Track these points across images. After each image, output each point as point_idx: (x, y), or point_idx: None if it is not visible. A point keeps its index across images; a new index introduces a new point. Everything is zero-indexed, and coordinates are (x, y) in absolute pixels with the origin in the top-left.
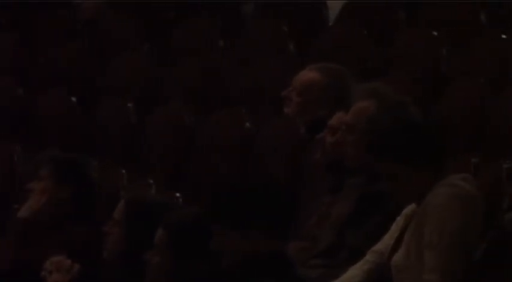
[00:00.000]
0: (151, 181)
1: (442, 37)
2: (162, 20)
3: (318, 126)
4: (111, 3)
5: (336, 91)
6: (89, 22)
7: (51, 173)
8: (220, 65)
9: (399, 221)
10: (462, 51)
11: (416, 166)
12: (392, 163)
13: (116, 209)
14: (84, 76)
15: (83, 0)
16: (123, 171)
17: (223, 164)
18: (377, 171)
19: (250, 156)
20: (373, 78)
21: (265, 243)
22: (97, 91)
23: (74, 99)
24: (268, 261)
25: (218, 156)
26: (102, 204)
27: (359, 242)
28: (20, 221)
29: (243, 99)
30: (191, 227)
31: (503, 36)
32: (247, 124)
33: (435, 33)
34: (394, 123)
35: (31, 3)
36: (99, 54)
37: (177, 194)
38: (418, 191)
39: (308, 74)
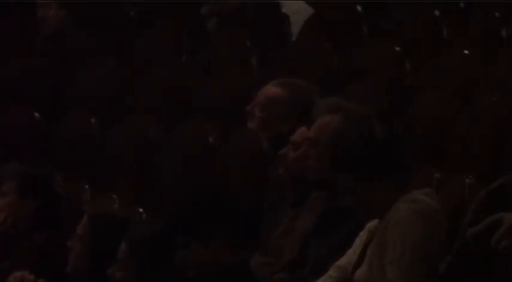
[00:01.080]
0: (115, 196)
1: (405, 50)
2: (126, 33)
3: (281, 141)
4: (75, 17)
5: (299, 106)
6: (52, 36)
7: (15, 187)
8: (184, 78)
9: (362, 235)
10: (425, 65)
11: (379, 181)
12: (355, 178)
13: (80, 224)
14: (48, 90)
15: (46, 13)
16: (87, 186)
17: (186, 177)
18: (340, 185)
19: (213, 168)
20: (336, 92)
21: (229, 255)
22: (60, 105)
23: (37, 113)
24: (231, 274)
25: (182, 168)
26: (65, 218)
27: (322, 257)
28: None
29: (206, 112)
30: (154, 241)
31: (466, 52)
32: (211, 137)
33: (397, 48)
34: (358, 137)
35: None
36: (63, 68)
37: (140, 209)
38: (381, 205)
39: (271, 89)
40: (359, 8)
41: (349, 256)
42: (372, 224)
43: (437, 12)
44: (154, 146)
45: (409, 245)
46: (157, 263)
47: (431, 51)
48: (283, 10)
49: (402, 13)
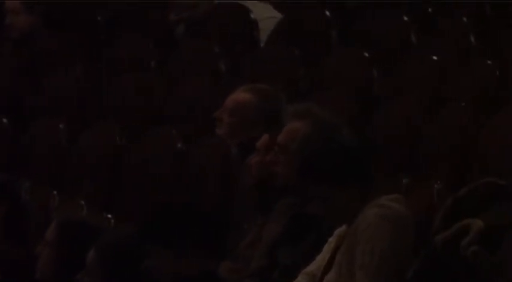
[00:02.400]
0: (83, 202)
1: (374, 57)
2: (94, 39)
3: (250, 147)
4: (43, 22)
5: (268, 112)
6: (19, 41)
7: None
8: (152, 85)
9: (331, 242)
10: (393, 72)
11: (348, 187)
12: (324, 184)
13: (48, 231)
14: (15, 96)
15: (13, 19)
16: (55, 192)
17: (155, 184)
18: (308, 192)
19: (182, 175)
20: (305, 98)
21: (198, 262)
22: (28, 111)
23: (4, 119)
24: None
25: (150, 176)
26: (33, 225)
27: (291, 263)
28: None
29: (174, 119)
30: (122, 248)
31: (434, 57)
32: (179, 143)
33: (366, 54)
34: (327, 144)
35: None
36: (31, 73)
37: (109, 215)
38: (349, 211)
39: (240, 95)
40: (328, 14)
41: (318, 262)
42: (341, 230)
43: (405, 18)
44: (122, 152)
45: (377, 251)
46: (125, 271)
47: (399, 57)
48: (252, 16)
49: (371, 19)
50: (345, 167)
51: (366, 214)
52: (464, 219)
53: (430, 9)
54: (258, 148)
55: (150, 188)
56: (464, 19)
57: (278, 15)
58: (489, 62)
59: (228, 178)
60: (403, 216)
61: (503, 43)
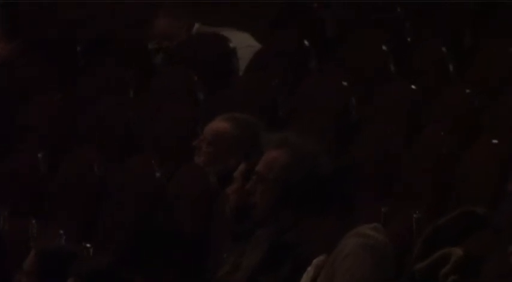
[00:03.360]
0: (61, 231)
1: (352, 85)
2: (73, 67)
3: (229, 176)
4: (22, 50)
5: (246, 141)
6: None
7: None
8: (131, 113)
9: (310, 271)
10: (372, 100)
11: (327, 216)
12: (302, 213)
13: (26, 260)
14: None
15: None
16: (33, 221)
17: (134, 213)
18: (286, 221)
19: (161, 204)
20: (284, 127)
21: None
22: (7, 139)
23: None
24: None
25: (129, 204)
26: (12, 254)
27: None
28: None
29: (153, 147)
30: (101, 277)
31: (413, 86)
32: (158, 172)
33: (345, 83)
34: (305, 173)
35: None
36: (10, 100)
37: (88, 245)
38: (328, 240)
39: (218, 124)
40: (306, 43)
41: None
42: (319, 259)
43: (384, 47)
44: (101, 181)
45: (357, 279)
46: None
47: (378, 85)
48: (231, 45)
49: (350, 48)
50: (323, 196)
51: (346, 243)
52: (443, 247)
53: (408, 39)
54: (235, 177)
55: (128, 216)
56: (443, 48)
57: (256, 44)
58: (467, 90)
59: (207, 207)
60: (383, 245)
61: (482, 72)
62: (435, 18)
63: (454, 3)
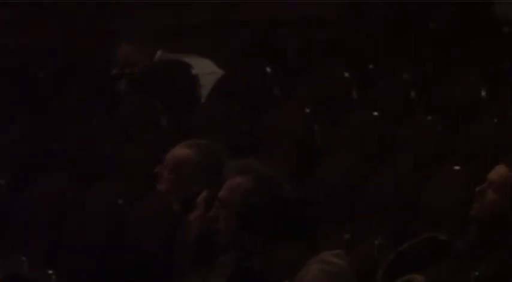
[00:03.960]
0: (24, 258)
1: (315, 113)
2: (38, 94)
3: (192, 203)
4: None
5: (209, 168)
6: None
7: None
8: (94, 141)
9: None
10: (335, 127)
11: (289, 242)
12: (264, 239)
13: None
14: None
15: None
16: None
17: (97, 239)
18: (249, 247)
19: (124, 231)
20: (246, 153)
21: None
22: None
23: None
24: None
25: (93, 231)
26: None
27: None
28: None
29: (117, 174)
30: None
31: (375, 113)
32: (121, 199)
33: (307, 110)
34: (267, 200)
35: None
36: None
37: (50, 271)
38: (291, 267)
39: (180, 151)
40: (269, 70)
41: None
42: None
43: (346, 74)
44: (65, 207)
45: None
46: None
47: (341, 112)
48: (194, 72)
49: (313, 75)
50: (285, 223)
51: (309, 269)
52: (406, 274)
53: (371, 66)
54: (198, 203)
55: (92, 244)
56: (406, 75)
57: (219, 71)
58: (430, 117)
59: (170, 234)
60: (345, 272)
61: (445, 99)
62: (398, 46)
63: (417, 32)
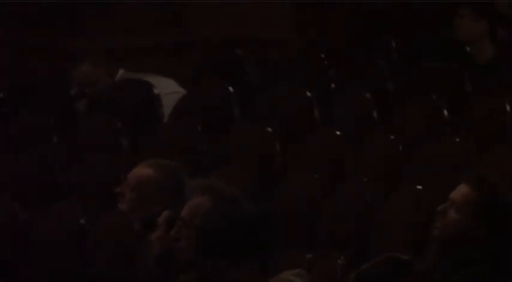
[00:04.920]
0: None
1: (276, 132)
2: None
3: (153, 223)
4: None
5: (170, 187)
6: None
7: None
8: (54, 160)
9: None
10: (296, 147)
11: (248, 263)
12: (223, 260)
13: None
14: None
15: None
16: None
17: (57, 258)
18: (209, 268)
19: (84, 251)
20: (208, 173)
21: None
22: None
23: None
24: None
25: (52, 250)
26: None
27: None
28: None
29: (77, 194)
30: None
31: (337, 133)
32: (81, 219)
33: (269, 129)
34: (227, 219)
35: None
36: None
37: None
38: None
39: (142, 171)
40: (230, 89)
41: None
42: None
43: (308, 94)
44: (24, 227)
45: None
46: None
47: (302, 132)
48: (155, 91)
49: (274, 94)
50: (245, 243)
51: None
52: None
53: (332, 85)
54: (159, 223)
55: (52, 263)
56: (367, 95)
57: (181, 91)
58: (392, 136)
59: (131, 253)
60: None
61: (406, 118)
62: (359, 64)
63: (378, 51)
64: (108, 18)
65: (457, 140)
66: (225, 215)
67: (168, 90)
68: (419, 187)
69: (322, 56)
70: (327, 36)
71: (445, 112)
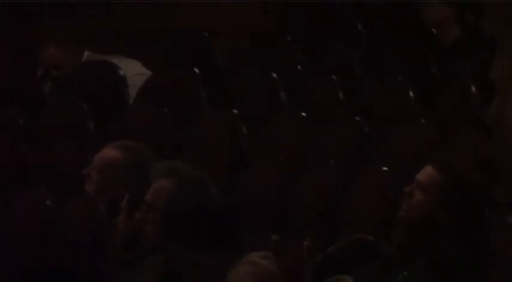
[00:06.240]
0: None
1: (243, 115)
2: None
3: (119, 205)
4: None
5: (136, 170)
6: None
7: None
8: (19, 143)
9: None
10: (262, 130)
11: (215, 247)
12: (189, 244)
13: None
14: None
15: None
16: None
17: (23, 244)
18: (177, 250)
19: (51, 234)
20: (173, 156)
21: None
22: None
23: None
24: None
25: (18, 236)
26: None
27: None
28: None
29: (43, 177)
30: None
31: (303, 114)
32: (48, 201)
33: (235, 111)
34: (192, 203)
35: None
36: None
37: None
38: (217, 270)
39: (108, 152)
40: (197, 71)
41: None
42: None
43: (274, 76)
44: None
45: None
46: None
47: (269, 115)
48: (121, 72)
49: (240, 78)
50: (210, 227)
51: (236, 271)
52: (334, 275)
53: (299, 67)
54: (123, 206)
55: (18, 248)
56: (334, 77)
57: (147, 72)
58: (357, 118)
59: (97, 236)
60: (272, 274)
61: (373, 100)
62: (325, 46)
63: (346, 34)
64: None
65: (423, 121)
66: (189, 198)
67: (134, 71)
68: (385, 168)
69: (289, 38)
70: (295, 21)
71: (411, 94)
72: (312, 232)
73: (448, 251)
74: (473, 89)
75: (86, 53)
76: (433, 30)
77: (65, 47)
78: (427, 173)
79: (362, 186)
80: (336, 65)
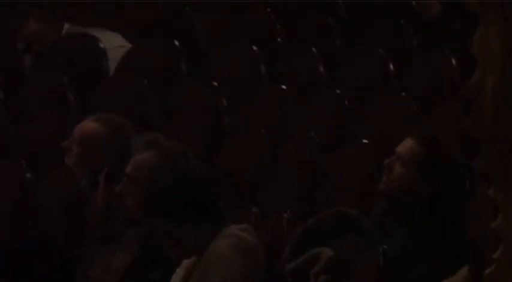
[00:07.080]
0: None
1: (223, 88)
2: None
3: (98, 178)
4: None
5: (117, 142)
6: None
7: None
8: (1, 117)
9: (179, 272)
10: (243, 103)
11: (196, 221)
12: (170, 217)
13: None
14: None
15: None
16: None
17: (2, 219)
18: (158, 223)
19: (30, 207)
20: (154, 129)
21: None
22: None
23: None
24: None
25: None
26: None
27: None
28: None
29: (22, 151)
30: None
31: (283, 87)
32: (28, 174)
33: (216, 84)
34: (173, 175)
35: None
36: None
37: None
38: (198, 244)
39: (88, 125)
40: (177, 44)
41: None
42: (189, 260)
43: (255, 48)
44: None
45: (229, 280)
46: None
47: (249, 88)
48: (101, 45)
49: (220, 50)
50: (191, 199)
51: (217, 244)
52: (314, 248)
53: (279, 40)
54: (100, 179)
55: None
56: (314, 50)
57: (127, 45)
58: (338, 91)
59: (78, 208)
60: (253, 246)
61: (353, 73)
62: (306, 20)
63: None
64: None
65: (404, 94)
66: (170, 170)
67: (114, 43)
68: (365, 141)
69: (268, 10)
70: None
71: (392, 67)
72: (292, 204)
73: (427, 224)
74: (453, 61)
75: (66, 26)
76: (414, 3)
77: (45, 19)
78: (407, 145)
79: (342, 158)
80: (316, 38)
